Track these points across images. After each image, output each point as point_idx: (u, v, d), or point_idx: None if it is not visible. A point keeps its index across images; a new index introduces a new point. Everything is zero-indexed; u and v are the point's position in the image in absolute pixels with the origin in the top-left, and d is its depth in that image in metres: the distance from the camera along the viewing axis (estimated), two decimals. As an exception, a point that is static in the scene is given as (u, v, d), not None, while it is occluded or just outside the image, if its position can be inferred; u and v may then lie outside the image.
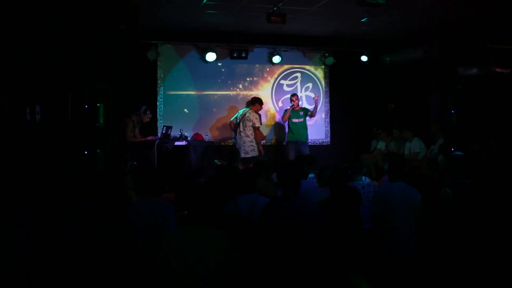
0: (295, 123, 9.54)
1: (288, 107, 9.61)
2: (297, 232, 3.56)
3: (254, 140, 9.08)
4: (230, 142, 9.79)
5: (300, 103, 9.81)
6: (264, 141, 9.67)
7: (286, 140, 9.77)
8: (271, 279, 3.48)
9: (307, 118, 9.73)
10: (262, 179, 5.58)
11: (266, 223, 3.65)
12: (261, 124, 9.35)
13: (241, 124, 9.12)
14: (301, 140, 9.49)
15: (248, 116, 9.10)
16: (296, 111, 9.56)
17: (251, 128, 9.06)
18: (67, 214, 4.05)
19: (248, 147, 8.99)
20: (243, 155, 8.71)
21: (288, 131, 9.65)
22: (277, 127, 10.35)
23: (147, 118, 8.54)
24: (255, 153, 8.96)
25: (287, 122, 9.64)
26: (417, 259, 4.15)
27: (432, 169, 6.26)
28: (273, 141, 10.35)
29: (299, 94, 10.47)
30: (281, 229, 3.56)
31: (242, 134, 9.08)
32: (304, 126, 9.60)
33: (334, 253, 3.87)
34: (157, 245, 3.10)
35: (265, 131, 10.11)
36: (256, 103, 9.28)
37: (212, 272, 2.98)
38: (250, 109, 9.21)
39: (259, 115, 9.37)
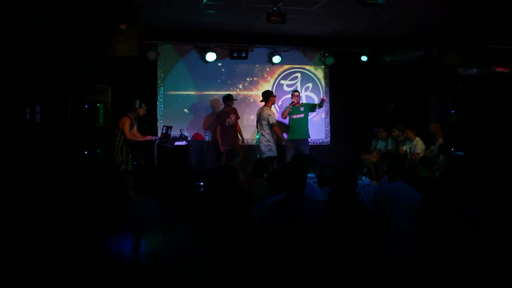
0: (295, 119, 9.38)
1: (288, 104, 9.56)
2: (304, 232, 3.54)
3: (270, 140, 8.91)
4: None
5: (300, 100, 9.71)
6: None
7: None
8: (278, 281, 3.47)
9: (313, 113, 9.66)
10: (260, 179, 5.57)
11: (271, 225, 3.62)
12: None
13: (258, 124, 9.02)
14: (300, 138, 9.30)
15: (262, 115, 8.96)
16: (296, 107, 9.41)
17: (267, 127, 8.91)
18: (66, 214, 4.06)
19: (265, 147, 8.84)
20: (258, 156, 8.65)
21: (288, 129, 9.51)
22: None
23: (143, 111, 8.42)
24: (272, 153, 8.72)
25: (287, 119, 9.51)
26: (417, 260, 4.14)
27: (427, 169, 6.15)
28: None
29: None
30: (287, 230, 3.54)
31: (259, 134, 8.98)
32: (304, 122, 9.41)
33: (337, 254, 3.86)
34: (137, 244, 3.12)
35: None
36: (266, 98, 9.09)
37: (190, 271, 3.00)
38: (265, 106, 9.05)
39: (272, 112, 9.17)
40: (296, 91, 9.64)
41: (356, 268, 3.84)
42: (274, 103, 9.37)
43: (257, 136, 9.06)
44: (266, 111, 8.98)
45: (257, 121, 9.13)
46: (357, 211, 4.16)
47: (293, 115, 9.41)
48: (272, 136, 8.96)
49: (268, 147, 8.85)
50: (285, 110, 9.51)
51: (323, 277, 3.55)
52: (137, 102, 8.38)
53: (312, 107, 9.64)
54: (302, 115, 9.41)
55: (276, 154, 8.77)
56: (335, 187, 4.71)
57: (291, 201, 3.65)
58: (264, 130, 8.90)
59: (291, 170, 3.77)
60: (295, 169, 3.78)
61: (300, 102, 9.61)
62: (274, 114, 9.13)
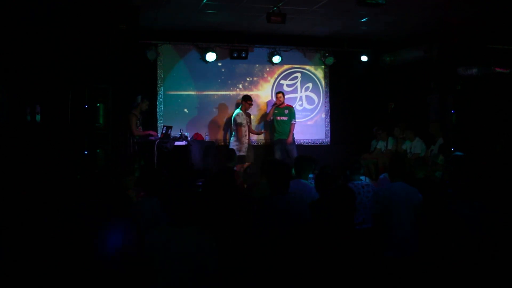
0: (279, 121, 9.54)
1: (271, 106, 9.68)
2: (287, 230, 3.57)
3: (237, 140, 9.07)
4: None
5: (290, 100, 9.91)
6: (258, 135, 9.92)
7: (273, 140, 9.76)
8: (265, 278, 3.50)
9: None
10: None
11: (258, 222, 3.65)
12: (249, 121, 9.42)
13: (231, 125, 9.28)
14: (285, 138, 9.43)
15: (234, 117, 9.19)
16: (281, 109, 9.55)
17: (234, 128, 9.15)
18: (66, 214, 4.06)
19: (233, 147, 8.96)
20: None
21: (274, 130, 9.63)
22: (268, 126, 10.22)
23: (145, 106, 8.70)
24: (239, 153, 8.80)
25: (273, 120, 9.62)
26: (418, 260, 4.14)
27: (423, 169, 6.13)
28: (263, 141, 10.28)
29: (299, 94, 10.49)
30: (272, 227, 3.57)
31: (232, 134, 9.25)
32: (288, 124, 9.54)
33: (325, 253, 3.86)
34: (141, 243, 3.13)
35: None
36: (242, 101, 9.37)
37: (194, 271, 3.01)
38: (240, 109, 9.27)
39: (248, 114, 9.41)
40: (280, 92, 9.70)
41: (356, 268, 3.83)
42: (248, 109, 9.42)
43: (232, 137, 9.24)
44: (238, 114, 9.16)
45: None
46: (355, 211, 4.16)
47: (278, 116, 9.57)
48: (242, 136, 9.06)
49: (236, 147, 8.95)
50: (269, 112, 9.65)
51: (321, 277, 3.55)
52: (139, 98, 8.63)
53: (293, 115, 9.62)
54: (285, 118, 9.54)
55: (245, 154, 8.99)
56: (333, 188, 4.71)
57: (277, 199, 3.69)
58: (235, 131, 9.14)
59: (279, 168, 3.80)
60: (283, 167, 3.81)
61: (285, 104, 9.68)
62: (242, 114, 9.20)
